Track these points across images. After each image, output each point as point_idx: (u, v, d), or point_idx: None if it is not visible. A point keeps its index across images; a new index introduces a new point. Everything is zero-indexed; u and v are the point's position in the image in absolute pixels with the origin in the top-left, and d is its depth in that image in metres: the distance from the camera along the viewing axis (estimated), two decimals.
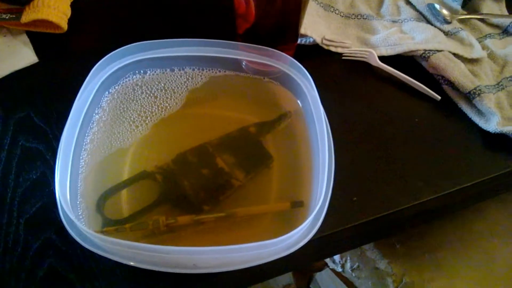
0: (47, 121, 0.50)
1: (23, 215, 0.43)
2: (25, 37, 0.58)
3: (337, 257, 0.76)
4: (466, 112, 0.55)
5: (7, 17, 0.57)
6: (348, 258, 0.74)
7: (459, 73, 0.55)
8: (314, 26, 0.60)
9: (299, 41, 0.59)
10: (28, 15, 0.55)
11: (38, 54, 0.56)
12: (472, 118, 0.54)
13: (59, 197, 0.37)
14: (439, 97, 0.56)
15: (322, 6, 0.65)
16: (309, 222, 0.37)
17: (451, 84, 0.56)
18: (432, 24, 0.64)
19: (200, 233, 0.41)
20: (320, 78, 0.48)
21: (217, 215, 0.41)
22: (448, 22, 0.64)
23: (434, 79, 0.58)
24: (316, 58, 0.60)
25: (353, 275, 0.74)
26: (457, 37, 0.62)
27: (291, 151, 0.47)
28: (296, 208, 0.42)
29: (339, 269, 0.76)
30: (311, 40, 0.59)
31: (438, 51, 0.58)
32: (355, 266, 0.73)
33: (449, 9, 0.66)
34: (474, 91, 0.54)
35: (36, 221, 0.43)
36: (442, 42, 0.59)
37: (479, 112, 0.54)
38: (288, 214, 0.43)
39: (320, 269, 0.87)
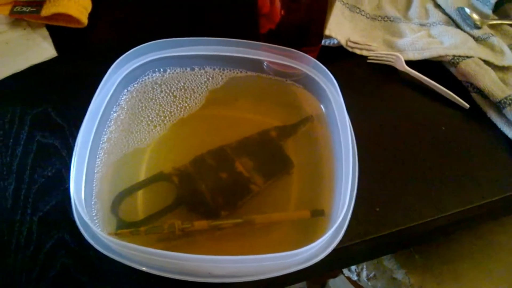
0: (64, 117, 0.49)
1: (37, 213, 0.42)
2: (44, 31, 0.58)
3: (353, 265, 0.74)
4: (495, 122, 0.53)
5: (27, 10, 0.56)
6: (365, 266, 0.73)
7: (489, 81, 0.53)
8: (339, 28, 0.58)
9: (322, 43, 0.57)
10: (48, 9, 0.55)
11: (57, 48, 0.56)
12: (501, 129, 0.52)
13: (73, 197, 0.36)
14: (468, 105, 0.54)
15: (348, 7, 0.63)
16: (330, 234, 0.35)
17: (481, 92, 0.54)
18: (461, 29, 0.62)
19: (216, 239, 0.40)
20: (344, 82, 0.46)
21: (235, 221, 0.40)
22: (478, 27, 0.61)
23: (463, 86, 0.56)
24: (339, 60, 0.58)
25: (369, 284, 0.72)
26: (487, 43, 0.60)
27: (313, 157, 0.46)
28: (316, 217, 0.41)
29: (355, 278, 0.75)
30: (335, 41, 0.58)
31: (467, 57, 0.56)
32: (371, 275, 0.71)
33: (480, 13, 0.64)
34: (505, 100, 0.52)
35: (50, 219, 0.42)
36: (472, 48, 0.57)
37: (509, 123, 0.52)
38: (307, 223, 0.42)
39: (335, 276, 0.86)
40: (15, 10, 0.56)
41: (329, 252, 0.35)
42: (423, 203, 0.46)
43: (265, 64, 0.51)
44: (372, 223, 0.43)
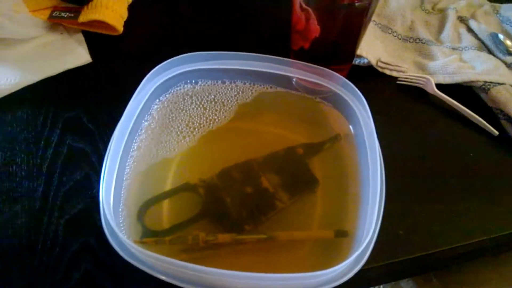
0: (96, 122, 0.50)
1: (64, 216, 0.43)
2: (80, 36, 0.59)
3: None
4: None
5: (65, 16, 0.57)
6: (381, 287, 0.72)
7: None
8: (370, 47, 0.58)
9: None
10: (86, 15, 0.56)
11: (92, 54, 0.57)
12: None
13: (102, 203, 0.36)
14: (497, 132, 0.53)
15: (380, 27, 0.63)
16: (354, 257, 0.35)
17: (511, 119, 0.53)
18: (493, 55, 0.61)
19: (238, 253, 0.40)
20: (372, 101, 0.46)
21: (258, 237, 0.40)
22: (511, 54, 0.61)
23: (493, 113, 0.55)
24: (369, 80, 0.58)
25: None
26: None
27: (338, 177, 0.46)
28: (339, 238, 0.41)
29: None
30: (366, 61, 0.58)
31: (499, 83, 0.55)
32: None
33: None
34: None
35: (76, 223, 0.42)
36: (504, 75, 0.56)
37: None
38: (330, 243, 0.41)
39: None
40: (53, 15, 0.58)
41: (351, 276, 0.35)
42: (448, 228, 0.45)
43: (294, 80, 0.51)
44: (395, 246, 0.43)
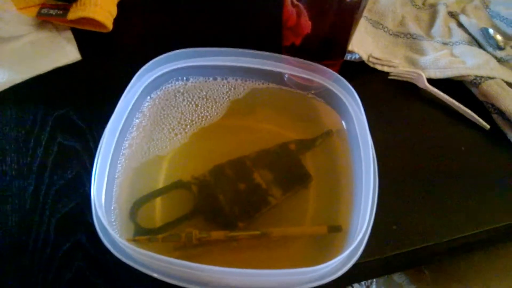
0: (86, 120, 0.49)
1: (55, 215, 0.42)
2: (69, 34, 0.58)
3: None
4: None
5: (54, 13, 0.57)
6: (374, 281, 0.72)
7: (511, 102, 0.53)
8: (361, 43, 0.58)
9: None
10: (75, 13, 0.55)
11: (82, 52, 0.56)
12: None
13: (94, 202, 0.36)
14: (488, 126, 0.53)
15: (371, 23, 0.63)
16: (348, 252, 0.35)
17: (502, 113, 0.54)
18: (484, 49, 0.61)
19: (232, 250, 0.40)
20: (364, 97, 0.46)
21: (252, 233, 0.40)
22: (501, 48, 0.61)
23: (484, 107, 0.56)
24: (360, 75, 0.58)
25: None
26: (510, 65, 0.59)
27: (331, 172, 0.46)
28: (333, 233, 0.41)
29: None
30: (357, 56, 0.58)
31: (490, 78, 0.55)
32: None
33: (503, 34, 0.63)
34: None
35: (68, 222, 0.42)
36: (495, 69, 0.56)
37: None
38: (324, 238, 0.41)
39: None
40: (42, 12, 0.57)
41: (345, 271, 0.35)
42: (441, 223, 0.45)
43: (285, 76, 0.51)
44: (389, 241, 0.43)
